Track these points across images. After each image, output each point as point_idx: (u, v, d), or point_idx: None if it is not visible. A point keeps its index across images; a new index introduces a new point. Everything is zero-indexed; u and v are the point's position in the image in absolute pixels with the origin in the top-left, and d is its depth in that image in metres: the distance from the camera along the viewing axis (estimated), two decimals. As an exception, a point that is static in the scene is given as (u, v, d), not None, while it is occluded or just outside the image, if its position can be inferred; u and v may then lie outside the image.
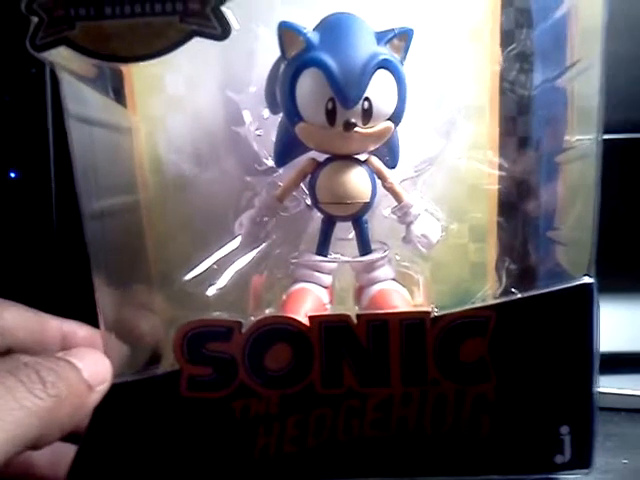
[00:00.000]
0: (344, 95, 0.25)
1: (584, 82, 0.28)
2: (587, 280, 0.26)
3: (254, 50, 0.29)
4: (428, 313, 0.26)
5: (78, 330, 0.29)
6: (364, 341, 0.26)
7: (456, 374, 0.26)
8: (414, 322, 0.26)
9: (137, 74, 0.29)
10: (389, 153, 0.28)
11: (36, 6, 0.25)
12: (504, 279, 0.30)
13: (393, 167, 0.29)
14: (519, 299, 0.26)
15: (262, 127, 0.29)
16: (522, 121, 0.31)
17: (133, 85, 0.30)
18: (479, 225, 0.31)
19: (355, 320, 0.26)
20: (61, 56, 0.25)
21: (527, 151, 0.31)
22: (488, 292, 0.30)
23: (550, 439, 0.26)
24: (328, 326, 0.26)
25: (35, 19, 0.25)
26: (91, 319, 0.28)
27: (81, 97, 0.27)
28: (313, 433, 0.26)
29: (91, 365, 0.25)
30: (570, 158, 0.29)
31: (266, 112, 0.29)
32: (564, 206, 0.30)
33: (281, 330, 0.26)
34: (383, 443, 0.26)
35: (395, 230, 0.29)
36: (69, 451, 0.26)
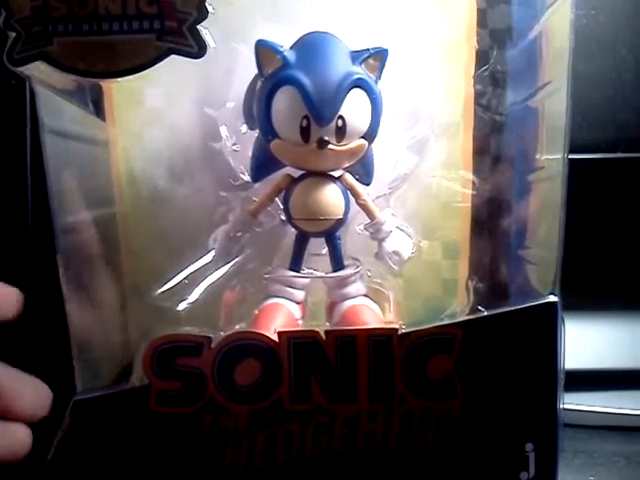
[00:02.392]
0: (318, 113, 0.25)
1: (555, 103, 0.28)
2: (552, 298, 0.27)
3: (233, 66, 0.29)
4: (396, 330, 0.26)
5: None
6: (332, 357, 0.26)
7: (423, 390, 0.26)
8: (382, 339, 0.26)
9: (117, 87, 0.29)
10: (363, 170, 0.29)
11: (14, 22, 0.25)
12: (472, 297, 0.30)
13: (367, 184, 0.29)
14: (485, 317, 0.27)
15: (239, 142, 0.29)
16: (496, 139, 0.31)
17: (112, 98, 0.30)
18: (452, 242, 0.31)
19: (324, 336, 0.26)
20: (39, 70, 0.25)
21: (500, 169, 0.31)
22: (457, 309, 0.30)
23: (515, 456, 0.27)
24: (297, 342, 0.26)
25: (13, 34, 0.25)
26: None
27: (57, 110, 0.27)
28: (282, 448, 0.27)
29: None
30: (540, 177, 0.30)
31: (244, 127, 0.29)
32: (534, 225, 0.30)
33: (250, 345, 0.26)
34: (351, 458, 0.27)
35: (368, 246, 0.29)
36: None
